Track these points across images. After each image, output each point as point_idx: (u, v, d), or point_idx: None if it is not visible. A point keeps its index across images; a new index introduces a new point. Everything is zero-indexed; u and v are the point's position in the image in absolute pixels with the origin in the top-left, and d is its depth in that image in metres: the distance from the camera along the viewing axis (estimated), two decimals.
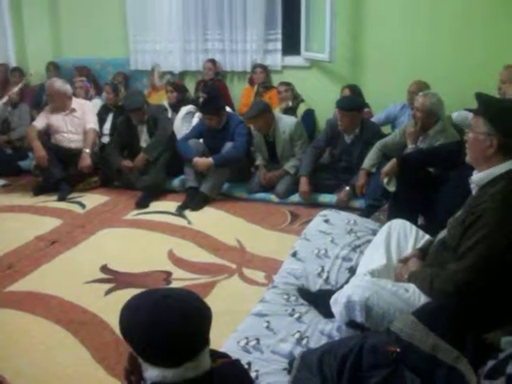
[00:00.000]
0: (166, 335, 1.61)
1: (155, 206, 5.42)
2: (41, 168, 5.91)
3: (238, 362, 1.93)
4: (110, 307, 3.54)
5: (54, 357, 3.10)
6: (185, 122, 6.25)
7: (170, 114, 6.30)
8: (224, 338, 2.79)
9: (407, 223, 3.06)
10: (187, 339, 1.63)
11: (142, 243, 4.59)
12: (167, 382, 1.64)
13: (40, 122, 6.04)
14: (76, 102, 6.19)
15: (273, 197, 5.42)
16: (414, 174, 3.77)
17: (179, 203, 5.36)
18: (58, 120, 6.05)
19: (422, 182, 3.75)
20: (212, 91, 6.38)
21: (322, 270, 3.36)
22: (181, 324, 1.61)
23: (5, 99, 6.76)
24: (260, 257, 4.23)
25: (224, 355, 1.96)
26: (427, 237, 2.95)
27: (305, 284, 3.28)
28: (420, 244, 2.88)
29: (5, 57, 8.33)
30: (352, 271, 3.21)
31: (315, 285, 3.27)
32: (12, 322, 3.46)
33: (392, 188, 3.93)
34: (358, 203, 4.99)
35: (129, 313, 1.71)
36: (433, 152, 4.02)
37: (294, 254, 3.56)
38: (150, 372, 1.66)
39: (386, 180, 3.99)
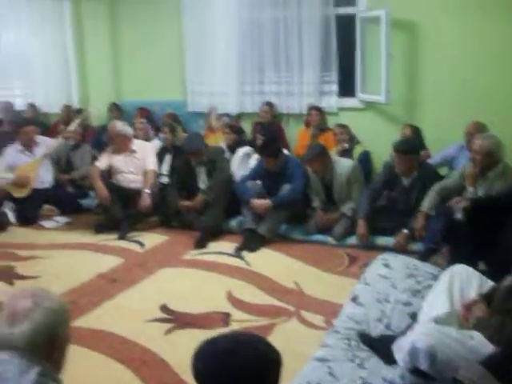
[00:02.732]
0: (238, 381, 1.63)
1: (213, 246, 5.48)
2: (102, 207, 6.07)
3: None
4: (170, 346, 3.60)
5: None
6: (242, 163, 6.32)
7: (227, 156, 6.39)
8: (284, 383, 2.79)
9: (470, 269, 3.03)
10: None
11: (201, 283, 4.65)
12: None
13: (102, 163, 6.21)
14: (136, 144, 6.36)
15: (330, 239, 5.42)
16: (482, 220, 3.73)
17: (237, 244, 5.41)
18: (119, 161, 6.22)
19: (488, 227, 3.71)
20: (270, 134, 6.44)
21: (383, 315, 3.34)
22: (253, 369, 1.64)
23: (60, 138, 6.97)
24: (318, 300, 4.22)
25: None
26: (490, 283, 2.92)
27: (365, 329, 3.26)
28: (484, 290, 2.85)
29: (69, 98, 8.65)
30: (413, 317, 3.18)
31: (376, 330, 3.25)
32: (74, 359, 3.47)
33: None
34: (416, 246, 4.93)
35: (201, 358, 1.72)
36: (503, 197, 3.97)
37: (355, 299, 3.55)
38: None
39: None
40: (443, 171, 5.71)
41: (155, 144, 6.98)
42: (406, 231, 4.97)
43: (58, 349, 1.85)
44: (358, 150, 6.31)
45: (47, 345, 1.79)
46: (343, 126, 6.44)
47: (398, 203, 5.24)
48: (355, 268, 4.80)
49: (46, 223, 6.44)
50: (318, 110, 6.97)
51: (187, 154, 5.95)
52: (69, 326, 1.91)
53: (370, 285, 3.67)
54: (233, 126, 7.00)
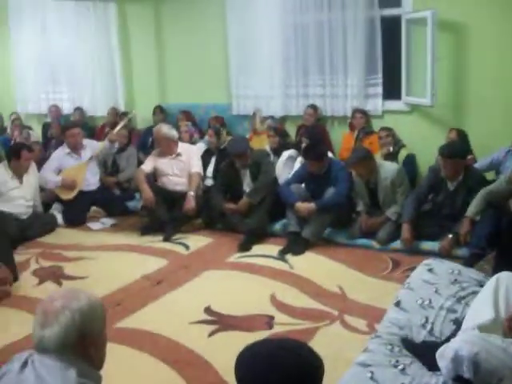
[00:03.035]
0: None
1: (257, 249, 5.51)
2: (148, 209, 6.16)
3: None
4: (213, 348, 3.64)
5: None
6: (286, 166, 6.34)
7: (272, 158, 6.41)
8: None
9: None
10: None
11: (245, 286, 4.69)
12: None
13: (148, 166, 6.30)
14: (182, 147, 6.43)
15: (374, 243, 5.40)
16: None
17: (281, 247, 5.43)
18: (164, 163, 6.30)
19: None
20: (315, 137, 6.44)
21: (426, 321, 3.31)
22: (295, 376, 1.65)
23: (106, 141, 7.08)
24: (361, 304, 4.22)
25: None
26: None
27: (408, 334, 3.24)
28: None
29: (115, 102, 8.79)
30: (457, 323, 3.15)
31: (419, 336, 3.23)
32: (120, 358, 3.59)
33: None
34: (462, 252, 4.87)
35: (244, 363, 1.74)
36: None
37: (398, 304, 3.52)
38: None
39: None
40: (490, 176, 5.62)
41: (200, 147, 7.05)
42: (451, 236, 4.90)
43: (93, 347, 1.89)
44: (402, 154, 6.26)
45: (79, 344, 1.84)
46: (388, 129, 6.40)
47: (444, 208, 5.19)
48: (399, 273, 4.78)
49: (93, 225, 6.58)
50: (363, 112, 6.94)
51: (232, 157, 5.99)
52: (101, 324, 1.95)
53: (413, 290, 3.64)
54: (277, 128, 7.01)
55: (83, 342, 1.85)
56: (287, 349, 1.75)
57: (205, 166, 6.71)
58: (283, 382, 1.64)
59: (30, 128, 9.20)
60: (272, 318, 4.05)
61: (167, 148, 6.30)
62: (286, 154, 6.48)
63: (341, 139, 7.18)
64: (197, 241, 5.83)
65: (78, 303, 1.88)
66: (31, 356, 1.87)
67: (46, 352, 1.83)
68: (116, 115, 8.45)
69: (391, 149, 6.25)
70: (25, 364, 1.85)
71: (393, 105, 7.10)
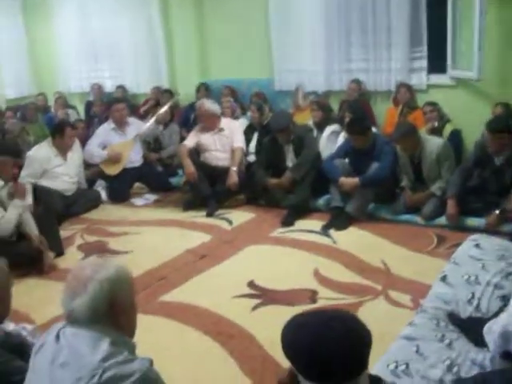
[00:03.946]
0: (329, 356, 1.63)
1: (300, 224, 5.50)
2: (190, 184, 6.20)
3: None
4: (256, 322, 3.67)
5: (204, 366, 3.27)
6: (330, 141, 6.28)
7: (315, 134, 6.36)
8: (372, 361, 2.76)
9: None
10: (349, 361, 1.65)
11: (288, 261, 4.69)
12: None
13: (190, 141, 6.32)
14: (224, 122, 6.43)
15: (418, 219, 5.32)
16: None
17: (324, 222, 5.40)
18: (207, 139, 6.31)
19: None
20: (358, 111, 6.34)
21: (473, 296, 3.26)
22: (344, 346, 1.64)
23: (153, 119, 7.10)
24: (405, 279, 4.18)
25: (379, 379, 1.97)
26: None
27: (454, 309, 3.21)
28: None
29: (158, 80, 8.82)
30: (504, 300, 3.10)
31: (465, 311, 3.19)
32: (164, 330, 3.67)
33: None
34: (508, 228, 4.78)
35: (293, 331, 1.74)
36: None
37: (444, 279, 3.48)
38: None
39: None
40: None
41: (242, 122, 7.04)
42: (497, 212, 4.81)
43: (123, 315, 1.91)
44: (447, 129, 6.15)
45: (110, 313, 1.87)
46: (433, 105, 6.29)
47: (490, 183, 5.08)
48: (444, 249, 4.71)
49: (137, 201, 6.67)
50: (407, 87, 6.81)
51: (275, 133, 5.96)
52: (130, 292, 1.97)
53: (459, 265, 3.59)
54: (320, 102, 6.91)
55: (113, 311, 1.88)
56: (339, 318, 1.75)
57: (247, 141, 6.70)
58: (332, 350, 1.63)
59: (73, 107, 9.37)
60: (315, 292, 4.05)
61: (210, 123, 6.30)
62: (329, 128, 6.41)
63: (384, 114, 7.08)
64: (240, 216, 5.84)
65: (105, 272, 1.90)
66: (63, 328, 1.91)
67: (77, 323, 1.86)
68: (158, 93, 8.47)
69: (436, 124, 6.14)
70: (57, 336, 1.89)
71: (438, 79, 6.93)
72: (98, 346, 1.80)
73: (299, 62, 7.74)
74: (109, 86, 9.51)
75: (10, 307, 2.50)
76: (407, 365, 2.69)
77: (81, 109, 9.60)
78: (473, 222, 5.06)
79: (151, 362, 1.87)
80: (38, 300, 4.22)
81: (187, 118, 7.98)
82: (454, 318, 3.10)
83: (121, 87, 9.12)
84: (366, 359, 1.72)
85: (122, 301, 1.91)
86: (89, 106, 9.27)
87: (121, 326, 1.91)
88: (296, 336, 1.71)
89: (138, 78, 9.29)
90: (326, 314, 1.80)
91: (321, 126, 6.53)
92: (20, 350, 2.45)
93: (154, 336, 3.45)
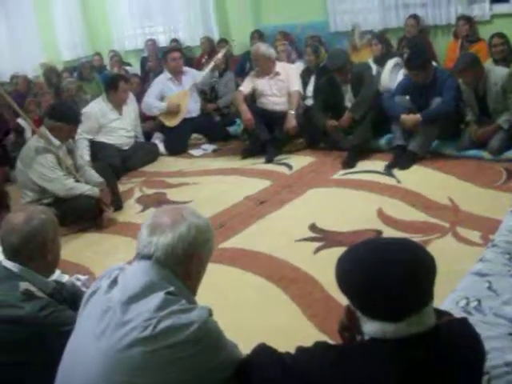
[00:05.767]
0: (389, 286, 1.48)
1: (362, 165, 5.32)
2: (248, 131, 6.09)
3: (465, 320, 1.75)
4: (319, 265, 3.54)
5: (267, 311, 3.17)
6: (393, 74, 6.03)
7: (374, 71, 6.12)
8: (440, 299, 2.61)
9: None
10: (411, 292, 1.49)
11: (350, 202, 4.55)
12: (387, 337, 1.50)
13: (246, 87, 6.19)
14: (280, 66, 6.25)
15: (485, 153, 5.05)
16: None
17: (386, 162, 5.21)
18: (262, 84, 6.15)
19: None
20: (417, 45, 6.08)
21: None
22: (405, 273, 1.49)
23: (211, 65, 7.01)
24: (474, 215, 3.97)
25: (448, 314, 1.80)
26: None
27: None
28: None
29: (208, 30, 8.71)
30: None
31: None
32: (225, 277, 3.58)
33: None
34: None
35: (347, 263, 1.60)
36: None
37: None
38: (369, 326, 1.53)
39: None
40: None
41: (298, 66, 6.88)
42: None
43: (195, 269, 1.79)
44: None
45: (184, 261, 1.74)
46: (502, 36, 5.88)
47: None
48: None
49: (195, 151, 6.59)
50: (466, 19, 6.47)
51: (332, 72, 5.75)
52: (211, 249, 1.85)
53: None
54: (381, 36, 6.70)
55: (189, 260, 1.75)
56: (395, 245, 1.60)
57: (304, 85, 6.52)
58: (392, 273, 1.49)
59: (128, 64, 9.40)
60: (380, 232, 3.89)
61: (265, 67, 6.13)
62: (391, 62, 6.16)
63: (445, 50, 6.77)
64: (300, 160, 5.71)
65: (197, 219, 1.79)
66: (123, 271, 1.79)
67: (147, 259, 1.73)
68: (211, 43, 8.36)
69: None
70: (113, 282, 1.76)
71: (502, 8, 6.56)
72: (154, 293, 1.66)
73: (353, 1, 7.53)
74: (163, 41, 9.47)
75: (59, 258, 2.42)
76: (479, 301, 2.53)
77: (137, 67, 9.59)
78: None
79: (210, 312, 1.72)
80: (99, 253, 4.23)
81: (242, 67, 7.85)
82: None
83: (175, 40, 9.04)
84: (431, 287, 1.55)
85: (200, 254, 1.79)
86: (144, 62, 9.27)
87: (189, 278, 1.78)
88: (350, 270, 1.59)
89: (192, 31, 9.19)
90: (381, 241, 1.63)
91: (381, 61, 6.31)
92: (72, 299, 2.39)
93: (213, 284, 3.35)
